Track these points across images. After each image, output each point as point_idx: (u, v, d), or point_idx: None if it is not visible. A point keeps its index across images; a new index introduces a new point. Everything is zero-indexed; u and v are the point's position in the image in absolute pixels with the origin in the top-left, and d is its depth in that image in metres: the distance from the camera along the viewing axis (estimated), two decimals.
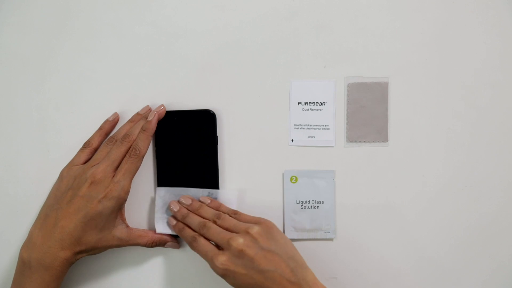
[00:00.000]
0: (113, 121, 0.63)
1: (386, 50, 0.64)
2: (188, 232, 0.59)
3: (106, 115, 0.64)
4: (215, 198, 0.63)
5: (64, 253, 0.57)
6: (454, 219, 0.65)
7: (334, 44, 0.64)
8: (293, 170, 0.65)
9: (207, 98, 0.64)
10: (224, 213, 0.60)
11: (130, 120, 0.63)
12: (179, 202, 0.62)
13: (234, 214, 0.60)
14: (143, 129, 0.61)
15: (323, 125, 0.65)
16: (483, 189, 0.65)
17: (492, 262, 0.65)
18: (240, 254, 0.55)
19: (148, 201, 0.64)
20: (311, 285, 0.55)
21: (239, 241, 0.55)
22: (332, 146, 0.65)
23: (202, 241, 0.58)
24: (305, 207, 0.65)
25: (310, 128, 0.65)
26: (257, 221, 0.58)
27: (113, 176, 0.59)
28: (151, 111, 0.63)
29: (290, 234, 0.64)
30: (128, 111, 0.64)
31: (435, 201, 0.65)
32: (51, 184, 0.62)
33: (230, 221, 0.58)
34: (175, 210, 0.61)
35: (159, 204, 0.62)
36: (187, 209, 0.61)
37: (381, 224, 0.65)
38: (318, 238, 0.65)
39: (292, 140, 0.65)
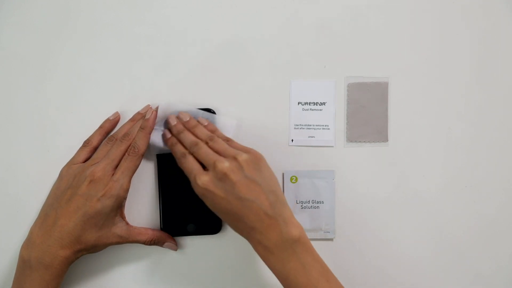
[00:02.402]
0: (114, 120, 0.63)
1: (386, 50, 0.65)
2: (180, 148, 0.59)
3: (106, 115, 0.64)
4: (213, 123, 0.63)
5: (64, 252, 0.57)
6: (454, 219, 0.65)
7: (334, 44, 0.64)
8: (293, 170, 0.65)
9: (207, 98, 0.64)
10: (217, 137, 0.60)
11: (131, 120, 0.63)
12: (177, 117, 0.62)
13: (227, 140, 0.60)
14: (141, 128, 0.61)
15: (323, 125, 0.65)
16: (484, 189, 0.65)
17: (493, 262, 0.65)
18: (223, 177, 0.54)
19: (148, 199, 0.64)
20: (287, 222, 0.55)
21: (224, 164, 0.55)
22: (332, 146, 0.65)
23: (190, 158, 0.58)
24: (305, 207, 0.65)
25: (310, 128, 0.65)
26: (247, 150, 0.57)
27: (113, 174, 0.59)
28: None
29: None
30: (128, 111, 0.64)
31: (435, 201, 0.65)
32: (51, 184, 0.62)
33: (221, 145, 0.58)
34: (172, 124, 0.61)
35: (159, 116, 0.62)
36: (184, 125, 0.61)
37: (381, 224, 0.65)
38: (318, 238, 0.65)
39: (292, 140, 0.65)
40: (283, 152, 0.65)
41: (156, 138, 0.62)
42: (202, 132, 0.60)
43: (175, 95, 0.64)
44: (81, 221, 0.57)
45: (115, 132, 0.63)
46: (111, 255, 0.64)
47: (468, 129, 0.65)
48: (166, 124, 0.62)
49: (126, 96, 0.64)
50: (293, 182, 0.65)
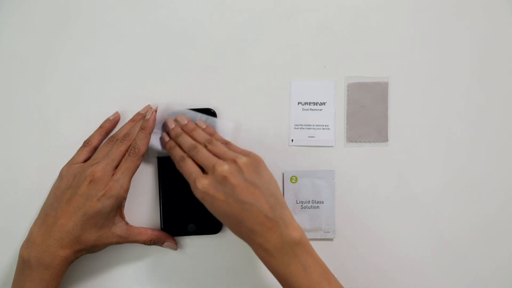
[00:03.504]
0: (114, 120, 0.63)
1: (386, 50, 0.65)
2: (178, 151, 0.59)
3: (106, 115, 0.64)
4: (212, 126, 0.62)
5: (64, 251, 0.57)
6: (454, 219, 0.65)
7: (334, 44, 0.64)
8: (293, 170, 0.65)
9: (207, 98, 0.64)
10: (216, 140, 0.60)
11: (131, 120, 0.63)
12: (175, 120, 0.62)
13: (226, 143, 0.60)
14: (141, 128, 0.61)
15: (323, 125, 0.65)
16: (484, 189, 0.65)
17: (492, 262, 0.65)
18: (222, 181, 0.54)
19: (148, 199, 0.64)
20: (287, 224, 0.55)
21: (224, 168, 0.55)
22: (332, 146, 0.65)
23: (189, 162, 0.58)
24: (305, 207, 0.65)
25: (310, 128, 0.65)
26: (247, 153, 0.57)
27: (113, 174, 0.59)
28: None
29: None
30: (128, 111, 0.64)
31: (436, 201, 0.65)
32: (51, 184, 0.62)
33: (220, 148, 0.58)
34: (170, 127, 0.61)
35: (157, 119, 0.62)
36: (182, 128, 0.61)
37: (381, 224, 0.65)
38: (318, 238, 0.65)
39: (292, 140, 0.65)
40: (283, 152, 0.65)
41: (155, 141, 0.62)
42: (201, 135, 0.60)
43: (175, 95, 0.64)
44: (81, 221, 0.57)
45: (116, 132, 0.63)
46: (111, 255, 0.64)
47: (468, 129, 0.65)
48: (165, 127, 0.62)
49: (126, 96, 0.64)
50: (293, 182, 0.65)
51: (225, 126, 0.63)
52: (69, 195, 0.58)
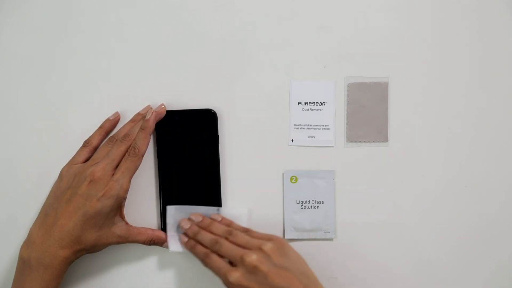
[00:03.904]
0: (114, 120, 0.63)
1: (386, 50, 0.64)
2: (200, 249, 0.59)
3: (106, 115, 0.64)
4: (225, 216, 0.62)
5: (64, 252, 0.57)
6: (454, 219, 0.65)
7: (334, 44, 0.64)
8: (293, 170, 0.65)
9: (207, 98, 0.64)
10: (235, 230, 0.60)
11: (131, 120, 0.63)
12: (189, 219, 0.61)
13: (245, 231, 0.60)
14: (141, 128, 0.61)
15: (323, 125, 0.65)
16: (484, 189, 0.65)
17: (492, 262, 0.65)
18: (253, 270, 0.54)
19: (148, 199, 0.64)
20: None
21: (252, 257, 0.55)
22: (332, 146, 0.65)
23: (214, 257, 0.57)
24: (305, 207, 0.65)
25: (310, 128, 0.65)
26: (269, 238, 0.57)
27: (113, 174, 0.59)
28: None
29: (290, 234, 0.64)
30: (128, 111, 0.64)
31: (436, 201, 0.65)
32: (51, 184, 0.62)
33: (242, 238, 0.58)
34: (186, 227, 0.61)
35: (170, 222, 0.62)
36: (198, 226, 0.61)
37: (381, 224, 0.65)
38: (318, 238, 0.65)
39: (292, 140, 0.65)
40: (283, 152, 0.65)
41: (174, 245, 0.62)
42: (219, 228, 0.60)
43: (175, 95, 0.64)
44: (81, 221, 0.57)
45: (116, 132, 0.63)
46: (111, 255, 0.64)
47: (468, 129, 0.65)
48: (180, 229, 0.62)
49: (126, 96, 0.64)
50: (293, 182, 0.65)
51: (239, 214, 0.63)
52: (69, 195, 0.58)
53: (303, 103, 0.65)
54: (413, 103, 0.65)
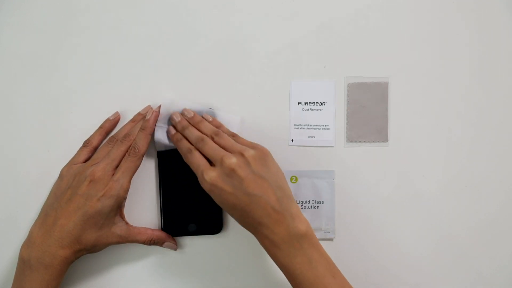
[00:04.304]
0: (114, 120, 0.63)
1: (386, 50, 0.65)
2: (185, 143, 0.59)
3: (106, 115, 0.64)
4: (218, 118, 0.63)
5: (64, 251, 0.57)
6: (454, 219, 0.65)
7: (334, 44, 0.64)
8: (293, 170, 0.65)
9: (207, 98, 0.64)
10: (223, 132, 0.60)
11: (132, 120, 0.63)
12: (181, 114, 0.62)
13: (233, 136, 0.60)
14: (141, 128, 0.61)
15: (323, 125, 0.65)
16: (484, 189, 0.65)
17: (493, 263, 0.65)
18: (230, 173, 0.55)
19: (148, 199, 0.64)
20: (294, 217, 0.55)
21: (232, 160, 0.55)
22: (332, 146, 0.65)
23: (196, 154, 0.58)
24: (305, 207, 0.65)
25: (310, 128, 0.65)
26: (254, 146, 0.58)
27: (113, 174, 0.59)
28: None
29: None
30: (128, 111, 0.64)
31: (436, 201, 0.65)
32: (51, 184, 0.62)
33: (227, 141, 0.58)
34: (177, 120, 0.61)
35: (162, 113, 0.62)
36: (188, 121, 0.61)
37: (381, 224, 0.65)
38: (318, 238, 0.64)
39: (292, 140, 0.65)
40: (283, 152, 0.65)
41: (161, 135, 0.62)
42: (208, 127, 0.60)
43: (175, 95, 0.64)
44: (81, 221, 0.57)
45: (116, 132, 0.63)
46: (111, 255, 0.64)
47: (468, 129, 0.65)
48: (170, 121, 0.62)
49: (126, 96, 0.64)
50: (293, 182, 0.65)
51: (231, 120, 0.63)
52: (69, 195, 0.58)
53: (303, 103, 0.65)
54: (413, 103, 0.65)
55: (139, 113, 0.63)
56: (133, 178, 0.60)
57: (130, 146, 0.60)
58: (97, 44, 0.64)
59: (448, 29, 0.64)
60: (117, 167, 0.59)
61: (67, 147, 0.63)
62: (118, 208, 0.59)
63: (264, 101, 0.65)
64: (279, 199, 0.55)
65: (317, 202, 0.65)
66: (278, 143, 0.65)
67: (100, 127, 0.63)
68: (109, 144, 0.61)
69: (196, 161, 0.57)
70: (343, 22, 0.64)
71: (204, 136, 0.59)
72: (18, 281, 0.57)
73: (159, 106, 0.63)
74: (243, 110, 0.64)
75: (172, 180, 0.63)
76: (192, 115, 0.61)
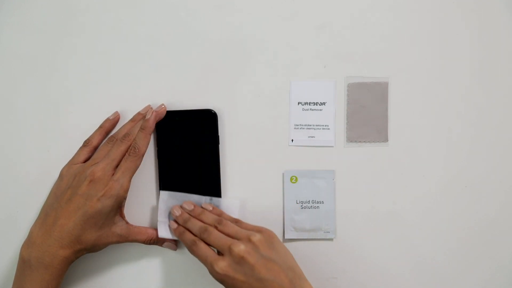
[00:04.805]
0: (114, 120, 0.63)
1: (386, 50, 0.64)
2: (189, 236, 0.59)
3: (106, 115, 0.64)
4: (217, 206, 0.62)
5: (64, 251, 0.57)
6: (454, 219, 0.65)
7: (334, 44, 0.64)
8: (293, 170, 0.65)
9: (207, 98, 0.64)
10: (225, 219, 0.60)
11: (131, 120, 0.63)
12: (181, 207, 0.61)
13: (236, 222, 0.60)
14: (141, 128, 0.61)
15: (323, 125, 0.65)
16: (484, 189, 0.65)
17: (493, 263, 0.65)
18: (240, 261, 0.54)
19: (148, 199, 0.64)
20: None
21: (240, 248, 0.55)
22: (332, 146, 0.65)
23: (202, 245, 0.57)
24: (305, 207, 0.65)
25: (310, 128, 0.65)
26: (259, 230, 0.58)
27: (113, 174, 0.59)
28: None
29: (290, 234, 0.64)
30: (128, 111, 0.64)
31: (435, 201, 0.65)
32: (51, 183, 0.62)
33: (231, 228, 0.58)
34: (177, 214, 0.61)
35: (161, 208, 0.62)
36: (189, 214, 0.61)
37: (381, 224, 0.65)
38: (318, 238, 0.65)
39: (292, 140, 0.65)
40: (283, 152, 0.65)
41: (164, 230, 0.62)
42: (209, 217, 0.60)
43: (175, 95, 0.64)
44: (81, 221, 0.57)
45: (116, 132, 0.63)
46: (111, 255, 0.64)
47: (468, 129, 0.65)
48: (171, 216, 0.62)
49: (126, 96, 0.64)
50: (293, 182, 0.65)
51: (230, 205, 0.63)
52: (69, 195, 0.58)
53: (303, 103, 0.65)
54: (413, 103, 0.65)
55: (139, 113, 0.63)
56: (133, 178, 0.60)
57: (130, 145, 0.60)
58: (97, 44, 0.64)
59: (448, 29, 0.64)
60: (117, 166, 0.59)
61: (67, 147, 0.63)
62: (118, 208, 0.59)
63: (264, 101, 0.65)
64: (291, 281, 0.54)
65: (317, 202, 0.65)
66: (278, 143, 0.64)
67: (100, 126, 0.63)
68: (108, 143, 0.61)
69: (203, 252, 0.57)
70: (343, 22, 0.64)
71: (208, 226, 0.58)
72: (18, 281, 0.57)
73: (159, 106, 0.63)
74: (243, 110, 0.64)
75: (172, 179, 0.63)
76: (192, 207, 0.61)
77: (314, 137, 0.65)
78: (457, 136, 0.65)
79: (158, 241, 0.63)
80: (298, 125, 0.65)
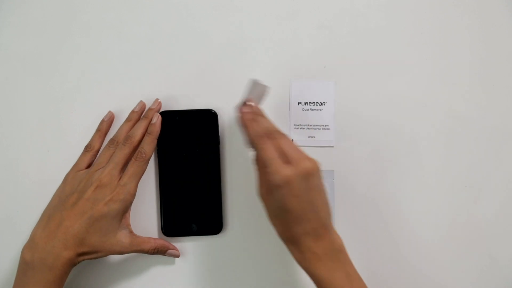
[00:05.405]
0: (109, 120, 0.63)
1: (386, 50, 0.64)
2: (261, 126, 0.54)
3: None
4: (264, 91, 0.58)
5: (67, 253, 0.57)
6: (454, 219, 0.65)
7: (334, 44, 0.64)
8: None
9: (207, 98, 0.64)
10: None
11: (128, 120, 0.63)
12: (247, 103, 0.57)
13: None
14: (148, 133, 0.61)
15: (323, 125, 0.65)
16: (484, 189, 0.65)
17: (492, 262, 0.65)
18: (305, 176, 0.52)
19: (148, 200, 0.64)
20: (333, 232, 0.54)
21: (311, 165, 0.52)
22: (332, 146, 0.65)
23: (271, 144, 0.53)
24: None
25: (310, 128, 0.65)
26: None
27: (119, 179, 0.59)
28: (145, 106, 0.63)
29: None
30: (128, 111, 0.64)
31: (435, 201, 0.65)
32: (51, 184, 0.62)
33: (295, 146, 0.54)
34: (253, 104, 0.57)
35: (249, 91, 0.58)
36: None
37: (381, 224, 0.65)
38: None
39: (292, 140, 0.65)
40: None
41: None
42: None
43: (175, 95, 0.64)
44: (87, 224, 0.57)
45: (115, 134, 0.62)
46: (112, 257, 0.64)
47: (467, 129, 0.65)
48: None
49: (126, 96, 0.64)
50: None
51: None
52: (74, 199, 0.58)
53: (303, 103, 0.65)
54: (413, 103, 0.65)
55: (133, 111, 0.63)
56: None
57: (132, 148, 0.60)
58: (97, 44, 0.64)
59: (448, 29, 0.64)
60: (121, 170, 0.59)
61: (67, 148, 0.63)
62: (124, 213, 0.59)
63: (264, 101, 0.64)
64: (329, 214, 0.54)
65: None
66: None
67: (98, 130, 0.63)
68: (110, 147, 0.61)
69: (271, 151, 0.53)
70: (343, 22, 0.64)
71: (281, 130, 0.55)
72: (20, 283, 0.57)
73: (155, 102, 0.63)
74: None
75: (172, 180, 0.63)
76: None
77: (314, 137, 0.65)
78: (457, 136, 0.65)
79: (161, 250, 0.62)
80: (298, 125, 0.65)
